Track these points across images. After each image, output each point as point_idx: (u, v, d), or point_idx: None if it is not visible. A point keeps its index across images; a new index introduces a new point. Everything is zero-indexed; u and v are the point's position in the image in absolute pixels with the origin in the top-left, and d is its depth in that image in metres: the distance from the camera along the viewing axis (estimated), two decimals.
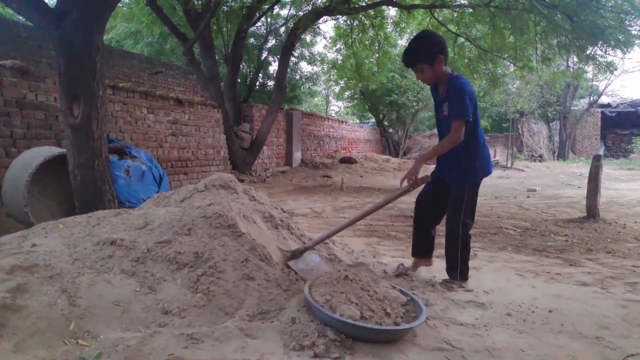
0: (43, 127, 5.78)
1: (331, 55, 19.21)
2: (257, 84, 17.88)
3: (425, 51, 2.72)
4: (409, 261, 3.60)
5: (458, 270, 2.94)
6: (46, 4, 4.08)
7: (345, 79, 17.42)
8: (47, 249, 2.52)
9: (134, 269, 2.38)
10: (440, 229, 3.20)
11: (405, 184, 2.73)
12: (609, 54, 8.34)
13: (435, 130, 24.63)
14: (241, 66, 14.43)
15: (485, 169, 2.93)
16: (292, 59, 16.22)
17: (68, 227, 2.96)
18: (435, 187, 3.03)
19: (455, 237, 2.91)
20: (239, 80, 14.03)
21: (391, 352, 2.00)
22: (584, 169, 12.84)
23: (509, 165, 17.98)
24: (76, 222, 3.03)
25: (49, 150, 4.65)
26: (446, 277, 3.05)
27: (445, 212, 3.05)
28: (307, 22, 10.90)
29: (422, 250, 3.22)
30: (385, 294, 2.23)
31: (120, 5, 14.04)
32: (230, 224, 2.78)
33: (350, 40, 12.29)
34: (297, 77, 19.60)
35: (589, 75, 19.77)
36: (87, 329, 1.92)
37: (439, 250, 3.48)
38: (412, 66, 2.78)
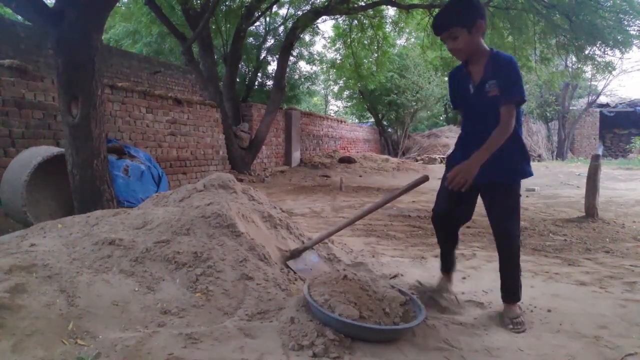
0: (41, 127, 5.78)
1: (330, 54, 19.22)
2: (256, 83, 17.88)
3: (465, 12, 2.20)
4: (406, 261, 3.60)
5: (520, 291, 2.47)
6: (44, 3, 4.07)
7: (344, 78, 17.44)
8: (45, 248, 2.51)
9: (133, 269, 2.38)
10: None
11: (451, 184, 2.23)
12: (607, 53, 8.36)
13: (434, 130, 24.68)
14: (240, 66, 14.44)
15: (529, 164, 2.44)
16: (291, 58, 16.22)
17: (67, 226, 2.96)
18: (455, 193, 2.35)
19: (514, 254, 2.40)
20: (237, 80, 14.02)
21: (390, 351, 2.00)
22: (583, 168, 12.85)
23: None
24: (75, 222, 3.03)
25: (48, 150, 4.64)
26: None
27: (462, 220, 2.63)
28: (306, 21, 10.90)
29: (451, 264, 2.77)
30: (384, 294, 2.23)
31: (119, 4, 14.03)
32: (229, 223, 2.78)
33: (349, 39, 12.30)
34: (296, 76, 19.60)
35: (588, 75, 19.77)
36: (85, 328, 1.92)
37: (435, 249, 3.48)
38: (446, 30, 2.23)
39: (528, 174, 2.38)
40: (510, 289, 2.46)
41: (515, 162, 2.33)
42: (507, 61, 2.20)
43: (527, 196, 8.63)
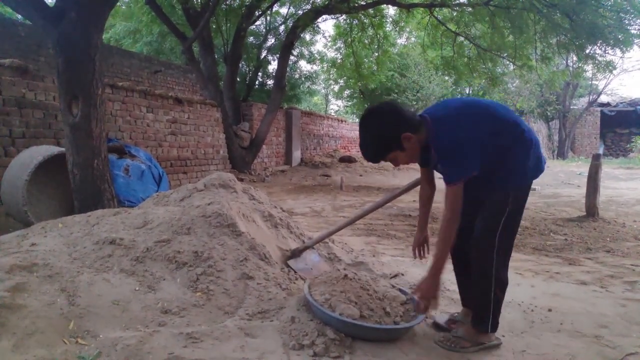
0: (42, 126, 5.77)
1: (331, 54, 19.20)
2: (257, 82, 17.87)
3: (383, 140, 2.01)
4: (407, 260, 3.59)
5: (490, 320, 2.08)
6: (45, 2, 4.07)
7: (345, 77, 17.42)
8: (46, 248, 2.52)
9: (134, 268, 2.38)
10: None
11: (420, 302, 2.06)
12: (608, 53, 8.35)
13: None
14: (240, 65, 14.42)
15: (537, 168, 2.11)
16: (292, 57, 16.21)
17: (67, 226, 2.96)
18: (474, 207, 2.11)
19: (485, 272, 2.04)
20: (238, 79, 14.01)
21: (391, 351, 2.00)
22: (584, 168, 12.84)
23: None
24: (75, 222, 3.03)
25: (48, 150, 4.64)
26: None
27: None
28: (307, 20, 10.89)
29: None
30: (384, 293, 2.23)
31: (119, 4, 14.03)
32: (229, 223, 2.78)
33: (349, 39, 12.29)
34: (297, 76, 19.59)
35: (588, 74, 19.73)
36: (86, 328, 1.92)
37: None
38: (381, 160, 2.09)
39: (529, 180, 2.12)
40: (477, 309, 2.14)
41: (506, 172, 2.05)
42: (438, 140, 1.97)
43: None
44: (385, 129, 1.98)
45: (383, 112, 2.02)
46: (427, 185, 2.36)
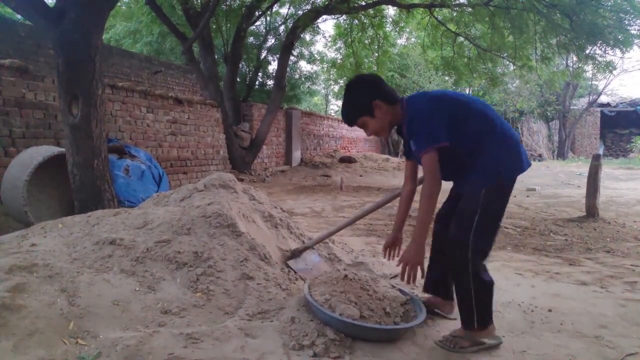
0: (42, 127, 5.78)
1: (331, 54, 19.22)
2: (257, 83, 17.86)
3: (356, 103, 2.18)
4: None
5: (475, 317, 2.06)
6: (45, 2, 4.07)
7: (345, 78, 17.39)
8: (46, 248, 2.52)
9: (134, 269, 2.38)
10: None
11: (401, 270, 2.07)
12: (608, 53, 8.36)
13: None
14: (240, 65, 14.42)
15: (514, 166, 2.08)
16: (292, 58, 16.21)
17: (67, 226, 2.96)
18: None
19: (461, 271, 2.03)
20: (238, 80, 14.01)
21: (391, 351, 2.00)
22: (584, 168, 12.84)
23: None
24: (75, 222, 3.03)
25: (48, 150, 4.64)
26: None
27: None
28: (307, 21, 10.90)
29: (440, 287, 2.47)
30: (384, 294, 2.23)
31: (120, 4, 14.03)
32: (229, 223, 2.78)
33: (349, 39, 12.29)
34: (297, 76, 19.58)
35: (588, 74, 19.76)
36: (86, 328, 1.92)
37: None
38: (353, 123, 2.23)
39: (508, 174, 2.07)
40: (461, 311, 2.11)
41: (482, 167, 2.06)
42: (407, 117, 2.10)
43: (527, 196, 8.63)
44: (360, 93, 2.17)
45: (362, 80, 2.23)
46: (409, 181, 2.37)
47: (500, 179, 2.04)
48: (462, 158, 2.08)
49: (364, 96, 2.15)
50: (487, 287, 2.05)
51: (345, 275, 2.28)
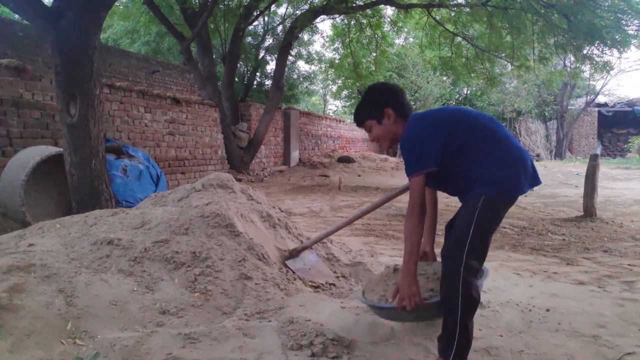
0: (40, 127, 5.76)
1: (329, 54, 19.22)
2: (255, 83, 17.86)
3: (370, 105, 2.19)
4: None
5: (454, 348, 1.84)
6: (43, 2, 4.07)
7: (343, 78, 17.45)
8: (44, 248, 2.51)
9: (131, 269, 2.38)
10: None
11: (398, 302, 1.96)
12: (605, 53, 8.39)
13: None
14: (238, 65, 14.42)
15: (520, 182, 1.96)
16: (290, 57, 16.21)
17: (65, 226, 2.96)
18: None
19: (452, 289, 1.85)
20: (236, 80, 14.00)
21: (389, 350, 2.00)
22: (581, 168, 12.87)
23: None
24: (73, 222, 3.02)
25: (46, 150, 4.63)
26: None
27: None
28: (305, 21, 10.89)
29: None
30: (435, 271, 2.16)
31: (117, 4, 14.01)
32: (227, 223, 2.78)
33: (347, 39, 12.30)
34: (295, 76, 19.60)
35: (586, 74, 19.77)
36: (84, 328, 1.92)
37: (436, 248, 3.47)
38: (361, 124, 2.24)
39: (510, 188, 1.96)
40: (442, 331, 1.92)
41: (473, 187, 1.97)
42: (405, 135, 2.07)
43: (525, 196, 8.64)
44: (376, 96, 2.20)
45: (383, 85, 2.27)
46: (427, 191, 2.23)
47: (500, 195, 1.93)
48: (466, 176, 2.01)
49: (379, 100, 2.17)
50: (470, 306, 1.87)
51: (395, 269, 2.26)
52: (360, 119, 2.24)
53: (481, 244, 1.90)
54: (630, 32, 7.62)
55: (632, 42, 7.67)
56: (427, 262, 2.28)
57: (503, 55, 10.21)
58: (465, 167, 2.00)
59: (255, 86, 17.94)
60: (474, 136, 2.01)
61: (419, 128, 2.05)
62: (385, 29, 12.42)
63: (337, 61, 14.74)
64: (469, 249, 1.85)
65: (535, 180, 2.04)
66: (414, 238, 1.95)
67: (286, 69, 14.90)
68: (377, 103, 2.16)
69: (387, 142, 2.22)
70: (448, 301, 1.87)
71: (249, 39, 16.38)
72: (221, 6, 12.16)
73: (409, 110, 2.18)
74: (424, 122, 2.08)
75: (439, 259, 2.13)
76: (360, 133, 21.02)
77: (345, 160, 14.94)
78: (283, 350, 1.92)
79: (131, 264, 2.41)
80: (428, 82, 20.05)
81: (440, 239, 2.34)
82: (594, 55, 8.60)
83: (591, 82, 23.40)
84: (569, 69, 15.86)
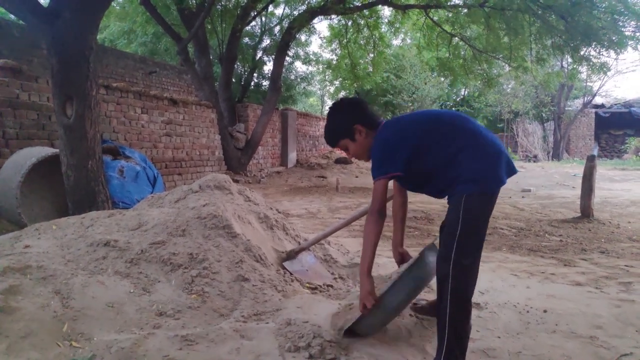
0: (36, 127, 5.73)
1: (326, 55, 19.26)
2: (252, 83, 17.85)
3: (338, 126, 2.20)
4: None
5: (444, 348, 1.85)
6: (38, 2, 4.05)
7: (340, 79, 17.42)
8: (40, 250, 2.50)
9: (128, 270, 2.37)
10: None
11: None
12: (602, 54, 8.39)
13: None
14: (236, 66, 14.40)
15: (497, 174, 1.94)
16: (287, 58, 16.21)
17: (61, 228, 2.94)
18: None
19: (442, 284, 1.88)
20: (233, 80, 14.00)
21: (387, 352, 2.00)
22: (578, 169, 12.91)
23: None
24: (69, 223, 3.01)
25: (42, 151, 4.61)
26: None
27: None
28: (302, 21, 10.89)
29: None
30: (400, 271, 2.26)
31: (114, 4, 13.97)
32: (225, 224, 2.77)
33: (345, 40, 12.30)
34: (292, 77, 19.60)
35: (583, 75, 19.85)
36: (80, 330, 1.90)
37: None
38: (335, 145, 2.25)
39: (488, 184, 1.93)
40: (438, 335, 1.90)
41: (453, 186, 1.97)
42: (374, 142, 2.09)
43: (522, 197, 8.65)
44: (342, 116, 2.20)
45: (345, 103, 2.25)
46: (398, 193, 2.41)
47: (481, 191, 1.92)
48: (444, 177, 2.00)
49: (346, 119, 2.17)
50: (462, 304, 1.87)
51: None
52: (333, 141, 2.24)
53: (472, 241, 1.90)
54: (627, 33, 7.64)
55: (629, 43, 7.68)
56: (405, 264, 2.34)
57: (500, 56, 10.22)
58: (442, 168, 2.01)
59: (252, 87, 17.93)
60: (447, 136, 2.02)
61: (389, 135, 2.07)
62: (382, 29, 12.43)
63: (334, 62, 14.73)
64: (458, 249, 1.85)
65: (511, 170, 2.03)
66: (371, 239, 2.02)
67: (284, 70, 14.90)
68: (346, 122, 2.17)
69: (366, 156, 2.22)
70: (440, 302, 1.89)
71: (246, 39, 16.37)
72: (218, 7, 12.15)
73: (377, 119, 2.19)
74: (393, 129, 2.10)
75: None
76: None
77: (343, 161, 14.94)
78: (280, 352, 1.92)
79: (128, 266, 2.40)
80: (426, 83, 20.08)
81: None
82: (591, 57, 8.62)
83: (588, 84, 23.49)
84: (566, 70, 15.91)
